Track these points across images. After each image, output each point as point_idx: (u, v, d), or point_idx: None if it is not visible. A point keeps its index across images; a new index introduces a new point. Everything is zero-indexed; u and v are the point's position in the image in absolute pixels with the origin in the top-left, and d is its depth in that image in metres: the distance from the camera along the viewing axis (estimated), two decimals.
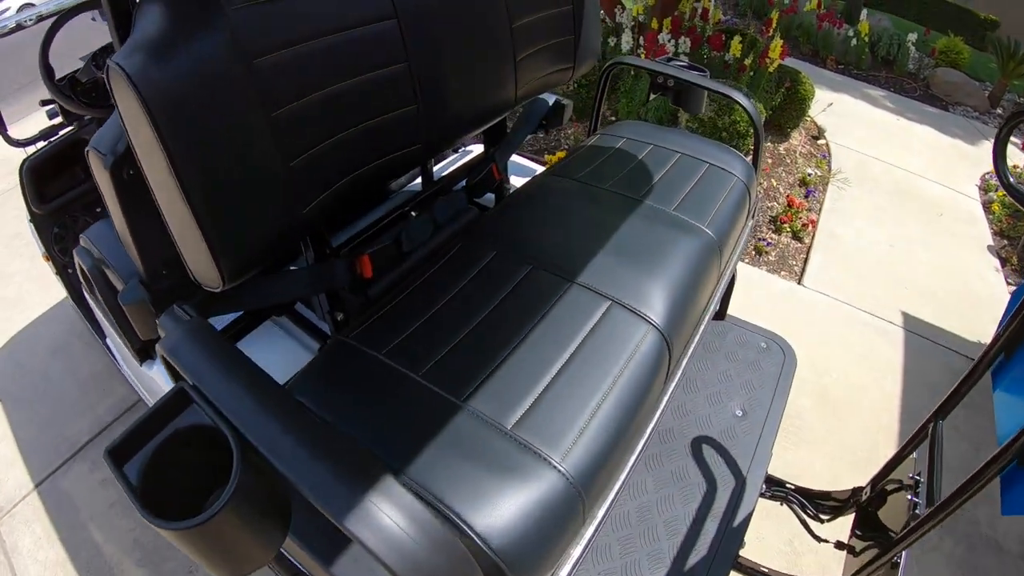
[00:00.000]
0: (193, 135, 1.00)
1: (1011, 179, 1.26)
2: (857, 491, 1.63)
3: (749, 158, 2.05)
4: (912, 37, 7.39)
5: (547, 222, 1.70)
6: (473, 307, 1.43)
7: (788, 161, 4.86)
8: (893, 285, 3.84)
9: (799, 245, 4.15)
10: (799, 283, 3.81)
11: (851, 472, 2.69)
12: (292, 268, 1.59)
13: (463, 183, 1.94)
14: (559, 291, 1.44)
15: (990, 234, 4.71)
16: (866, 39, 7.16)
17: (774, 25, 4.80)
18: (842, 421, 2.92)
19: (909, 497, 1.38)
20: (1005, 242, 4.65)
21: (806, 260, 4.02)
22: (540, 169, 3.16)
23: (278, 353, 1.72)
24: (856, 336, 3.39)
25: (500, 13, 1.60)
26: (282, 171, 1.18)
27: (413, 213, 1.85)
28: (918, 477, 1.41)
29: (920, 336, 3.46)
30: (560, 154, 4.36)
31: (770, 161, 4.76)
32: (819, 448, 2.78)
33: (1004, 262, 4.39)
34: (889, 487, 1.52)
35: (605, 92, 2.24)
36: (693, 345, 1.55)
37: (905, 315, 3.58)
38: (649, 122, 3.88)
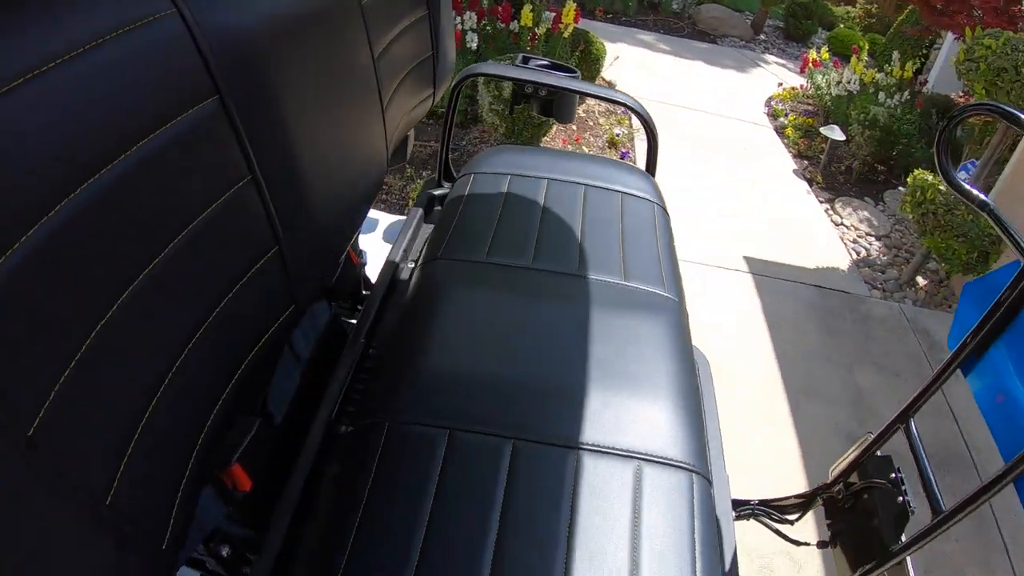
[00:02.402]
0: None
1: (952, 175, 1.19)
2: (820, 489, 1.53)
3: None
4: None
5: (481, 352, 1.22)
6: (471, 526, 0.96)
7: (591, 124, 4.80)
8: (724, 230, 3.85)
9: None
10: None
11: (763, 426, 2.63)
12: None
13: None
14: (567, 466, 1.05)
15: (791, 158, 4.90)
16: None
17: None
18: (727, 379, 2.87)
19: (900, 499, 1.27)
20: (806, 163, 4.86)
21: None
22: (394, 219, 2.81)
23: None
24: (707, 288, 3.36)
25: (360, 43, 1.17)
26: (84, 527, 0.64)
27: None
28: (901, 475, 1.31)
29: (764, 276, 3.48)
30: (414, 193, 3.67)
31: (575, 128, 4.67)
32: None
33: (811, 182, 4.57)
34: (861, 483, 1.42)
35: (455, 113, 1.90)
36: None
37: (747, 259, 3.59)
38: (515, 144, 3.61)
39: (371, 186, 1.33)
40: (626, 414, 1.13)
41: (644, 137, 1.97)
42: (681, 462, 1.09)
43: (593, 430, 1.10)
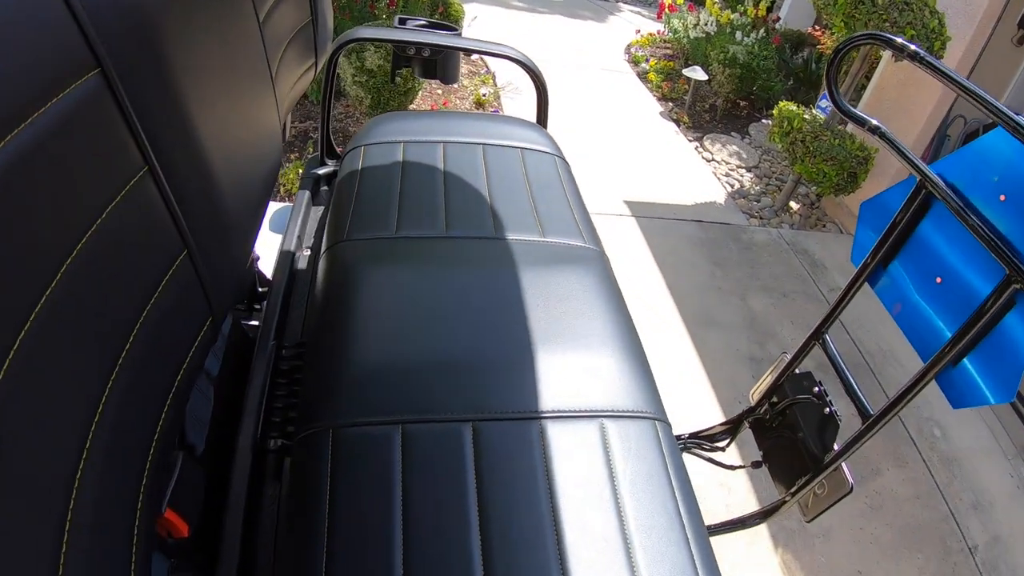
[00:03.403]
0: None
1: (844, 104, 1.25)
2: (746, 413, 1.58)
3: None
4: None
5: (415, 333, 1.14)
6: (449, 520, 0.91)
7: (455, 87, 4.74)
8: (601, 178, 3.92)
9: None
10: None
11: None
12: None
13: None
14: (532, 437, 1.02)
15: (655, 101, 5.02)
16: None
17: None
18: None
19: (827, 410, 1.34)
20: (671, 105, 4.99)
21: None
22: (278, 207, 2.60)
23: None
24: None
25: (246, 7, 1.03)
26: None
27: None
28: (823, 388, 1.37)
29: (646, 217, 3.57)
30: (293, 174, 3.40)
31: (440, 92, 4.61)
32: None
33: (678, 123, 4.71)
34: (785, 402, 1.48)
35: (334, 82, 1.81)
36: None
37: (627, 203, 3.67)
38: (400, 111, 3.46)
39: (271, 169, 1.21)
40: (578, 374, 1.11)
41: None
42: (641, 412, 1.09)
43: (550, 397, 1.07)
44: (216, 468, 1.06)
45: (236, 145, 1.01)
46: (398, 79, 3.75)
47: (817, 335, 1.40)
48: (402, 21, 1.80)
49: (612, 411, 1.07)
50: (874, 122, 1.19)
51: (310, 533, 0.89)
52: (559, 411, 1.05)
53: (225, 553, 0.96)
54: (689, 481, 1.04)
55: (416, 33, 1.74)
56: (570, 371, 1.11)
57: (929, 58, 1.02)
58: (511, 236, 1.37)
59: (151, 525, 0.75)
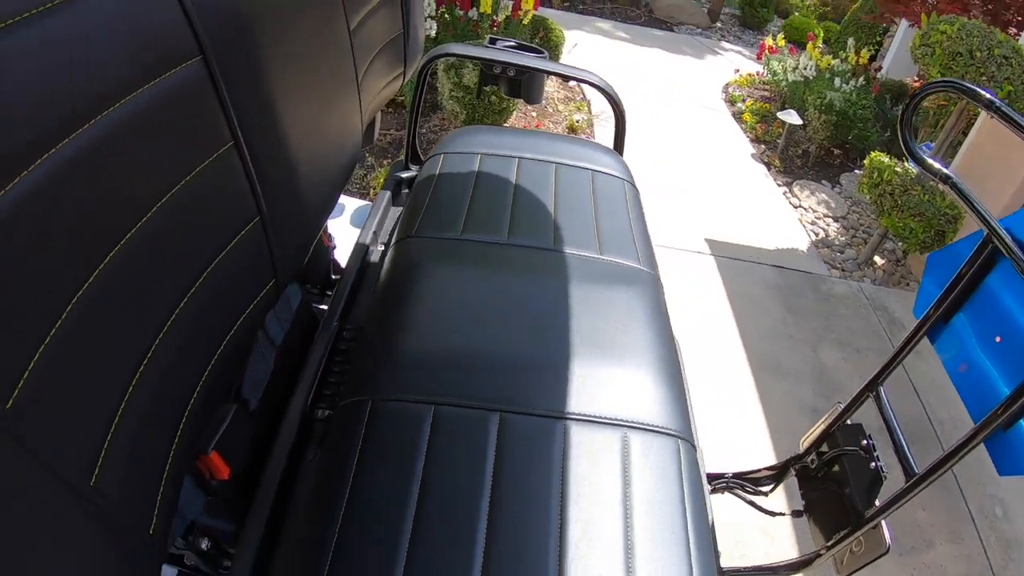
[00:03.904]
0: None
1: (916, 150, 1.22)
2: (793, 460, 1.55)
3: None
4: None
5: (462, 326, 1.21)
6: (461, 500, 0.96)
7: (550, 110, 4.80)
8: (685, 213, 3.89)
9: None
10: None
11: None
12: None
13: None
14: (555, 437, 1.06)
15: (748, 142, 4.97)
16: None
17: None
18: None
19: (873, 465, 1.30)
20: (763, 147, 4.92)
21: None
22: (361, 204, 2.77)
23: None
24: (670, 269, 3.39)
25: (338, 15, 1.15)
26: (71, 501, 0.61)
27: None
28: (872, 442, 1.34)
29: (725, 258, 3.52)
30: (380, 178, 3.49)
31: (535, 114, 4.67)
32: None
33: (768, 166, 4.64)
34: (833, 452, 1.44)
35: (424, 94, 1.89)
36: None
37: (708, 241, 3.63)
38: (483, 125, 3.57)
39: (348, 161, 1.32)
40: (610, 383, 1.14)
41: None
42: (667, 428, 1.10)
43: (579, 400, 1.10)
44: (265, 427, 1.15)
45: (315, 134, 1.11)
46: (493, 98, 3.85)
47: (872, 387, 1.36)
48: (492, 41, 1.87)
49: (637, 423, 1.09)
50: (944, 171, 1.17)
51: (331, 497, 0.95)
52: (585, 415, 1.08)
53: (259, 501, 1.04)
54: (705, 505, 1.05)
55: (502, 53, 1.80)
56: (602, 380, 1.14)
57: (1005, 109, 0.99)
58: (568, 250, 1.41)
59: (186, 457, 0.82)
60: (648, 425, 1.10)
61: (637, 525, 0.95)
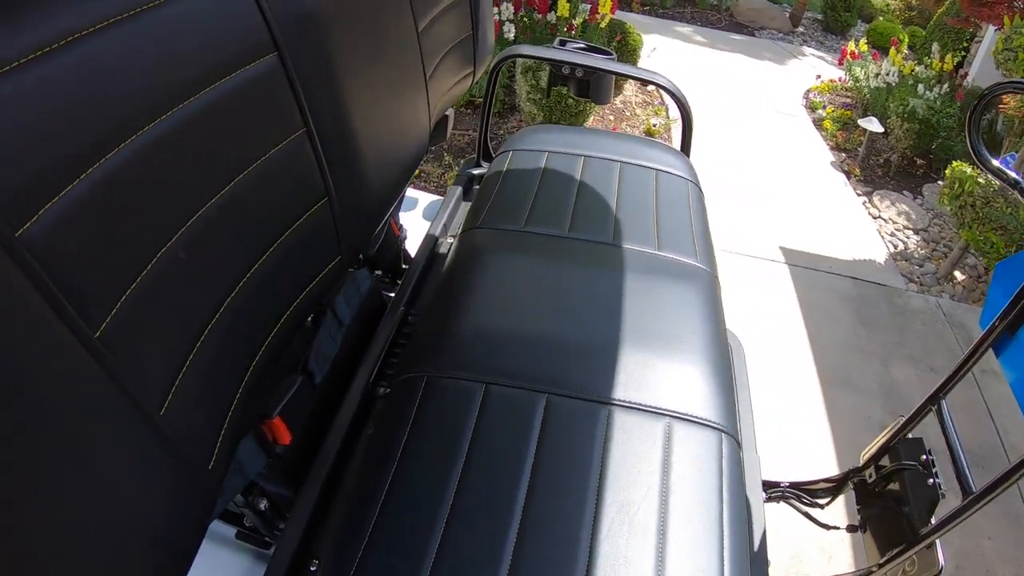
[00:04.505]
0: None
1: (984, 154, 1.21)
2: (852, 472, 1.54)
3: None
4: None
5: (518, 311, 1.26)
6: (502, 476, 1.00)
7: (627, 114, 4.82)
8: (761, 219, 3.85)
9: None
10: None
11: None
12: None
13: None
14: (599, 421, 1.09)
15: (828, 150, 4.88)
16: None
17: None
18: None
19: (931, 481, 1.29)
20: (844, 155, 4.83)
21: None
22: (433, 199, 2.83)
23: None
24: (744, 276, 3.38)
25: (406, 17, 1.24)
26: (144, 433, 0.67)
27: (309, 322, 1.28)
28: (932, 457, 1.33)
29: (800, 267, 3.48)
30: (451, 181, 3.67)
31: (612, 118, 4.69)
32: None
33: (848, 175, 4.55)
34: (892, 466, 1.43)
35: (495, 94, 1.96)
36: None
37: (783, 249, 3.60)
38: (553, 124, 3.63)
39: (414, 154, 1.38)
40: (657, 373, 1.18)
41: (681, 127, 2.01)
42: (711, 421, 1.13)
43: (625, 387, 1.14)
44: (328, 401, 1.23)
45: (382, 126, 1.19)
46: (570, 101, 3.90)
47: (934, 400, 1.34)
48: (562, 43, 1.92)
49: (681, 414, 1.12)
50: (1015, 176, 1.16)
51: (380, 468, 1.01)
52: (630, 402, 1.12)
53: (315, 469, 1.12)
54: (744, 497, 1.06)
55: (570, 54, 1.84)
56: (650, 369, 1.17)
57: None
58: (627, 245, 1.45)
59: (248, 413, 0.88)
60: (692, 416, 1.13)
61: (672, 512, 0.98)
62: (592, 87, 1.88)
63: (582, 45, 1.91)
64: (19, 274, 0.51)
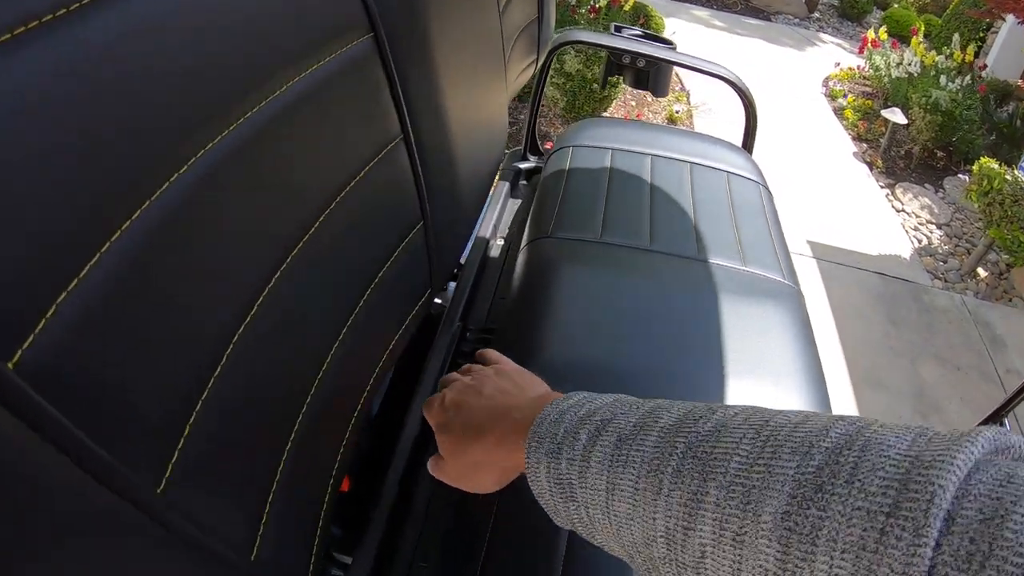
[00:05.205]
0: None
1: None
2: None
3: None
4: None
5: (607, 337, 1.14)
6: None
7: (649, 100, 4.77)
8: (787, 212, 3.82)
9: None
10: None
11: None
12: None
13: None
14: None
15: (850, 140, 4.85)
16: None
17: None
18: None
19: None
20: (865, 146, 4.80)
21: None
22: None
23: None
24: None
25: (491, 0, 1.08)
26: None
27: None
28: None
29: (828, 261, 3.47)
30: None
31: (634, 103, 4.65)
32: None
33: (871, 166, 4.53)
34: None
35: (546, 80, 1.86)
36: None
37: (810, 243, 3.59)
38: (605, 117, 3.55)
39: (497, 156, 1.25)
40: (754, 401, 1.08)
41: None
42: None
43: None
44: (380, 432, 1.07)
45: (472, 125, 1.05)
46: (595, 86, 3.83)
47: (996, 417, 1.31)
48: (618, 29, 1.82)
49: None
50: None
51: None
52: None
53: (378, 514, 0.94)
54: None
55: (634, 42, 1.74)
56: (745, 397, 1.09)
57: None
58: (712, 260, 1.35)
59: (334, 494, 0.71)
60: None
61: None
62: (652, 79, 1.78)
63: (638, 32, 1.82)
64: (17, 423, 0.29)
